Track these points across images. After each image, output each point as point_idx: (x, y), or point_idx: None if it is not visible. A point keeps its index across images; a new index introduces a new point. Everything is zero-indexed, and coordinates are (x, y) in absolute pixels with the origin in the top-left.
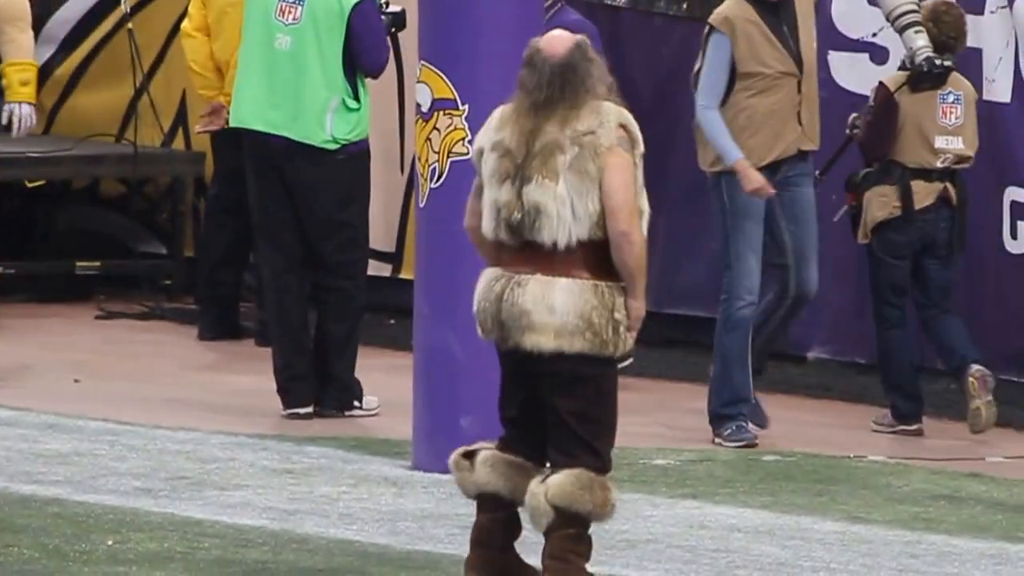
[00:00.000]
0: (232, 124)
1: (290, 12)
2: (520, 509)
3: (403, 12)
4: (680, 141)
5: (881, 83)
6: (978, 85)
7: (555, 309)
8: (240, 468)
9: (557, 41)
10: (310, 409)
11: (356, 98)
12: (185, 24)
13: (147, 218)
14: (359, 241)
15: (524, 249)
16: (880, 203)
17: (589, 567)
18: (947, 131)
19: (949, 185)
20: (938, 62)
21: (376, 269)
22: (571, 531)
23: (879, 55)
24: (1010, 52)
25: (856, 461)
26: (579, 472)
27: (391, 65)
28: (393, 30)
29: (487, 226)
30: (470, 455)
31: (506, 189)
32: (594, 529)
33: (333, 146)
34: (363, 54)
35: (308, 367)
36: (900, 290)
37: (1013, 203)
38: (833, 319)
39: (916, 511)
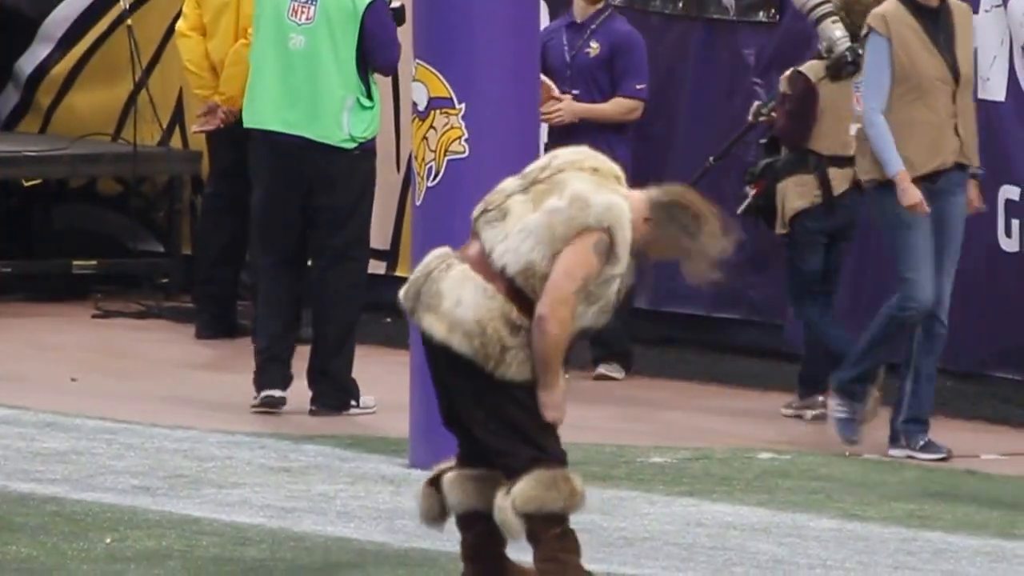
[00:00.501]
0: (246, 125)
1: (303, 12)
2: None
3: (402, 8)
4: (677, 140)
5: (800, 72)
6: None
7: (463, 302)
8: (238, 466)
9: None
10: (284, 393)
11: (370, 96)
12: (180, 24)
13: (144, 217)
14: (364, 237)
15: (475, 238)
16: (799, 192)
17: (587, 564)
18: (859, 120)
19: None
20: (860, 51)
21: (372, 267)
22: (554, 531)
23: None
24: (1004, 51)
25: (852, 459)
26: (538, 473)
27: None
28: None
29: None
30: (434, 481)
31: (510, 184)
32: (591, 526)
33: (351, 144)
34: (376, 52)
35: (288, 353)
36: (821, 276)
37: (1008, 201)
38: None
39: (911, 508)
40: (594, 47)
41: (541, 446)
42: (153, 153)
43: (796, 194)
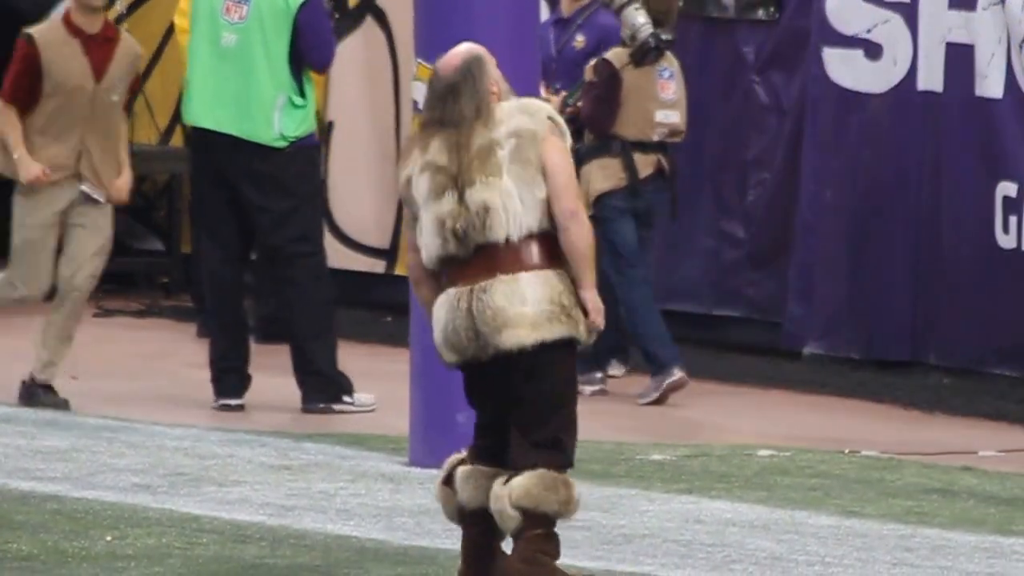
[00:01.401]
0: (185, 121)
1: (236, 11)
2: None
3: None
4: None
5: (604, 59)
6: (970, 81)
7: (527, 300)
8: (238, 464)
9: (452, 58)
10: (241, 401)
11: (302, 95)
12: (179, 20)
13: (144, 216)
14: (309, 235)
15: (476, 256)
16: (604, 175)
17: (587, 563)
18: (666, 105)
19: (662, 157)
20: (664, 37)
21: (370, 266)
22: (539, 531)
23: (873, 51)
24: (1002, 48)
25: (850, 456)
26: (542, 472)
27: (387, 62)
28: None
29: (431, 246)
30: (448, 480)
31: (447, 200)
32: (591, 524)
33: (282, 143)
34: (311, 51)
35: (243, 360)
36: (636, 248)
37: (1005, 198)
38: (827, 315)
39: (910, 505)
40: (580, 40)
41: (567, 444)
42: (153, 152)
43: (601, 176)
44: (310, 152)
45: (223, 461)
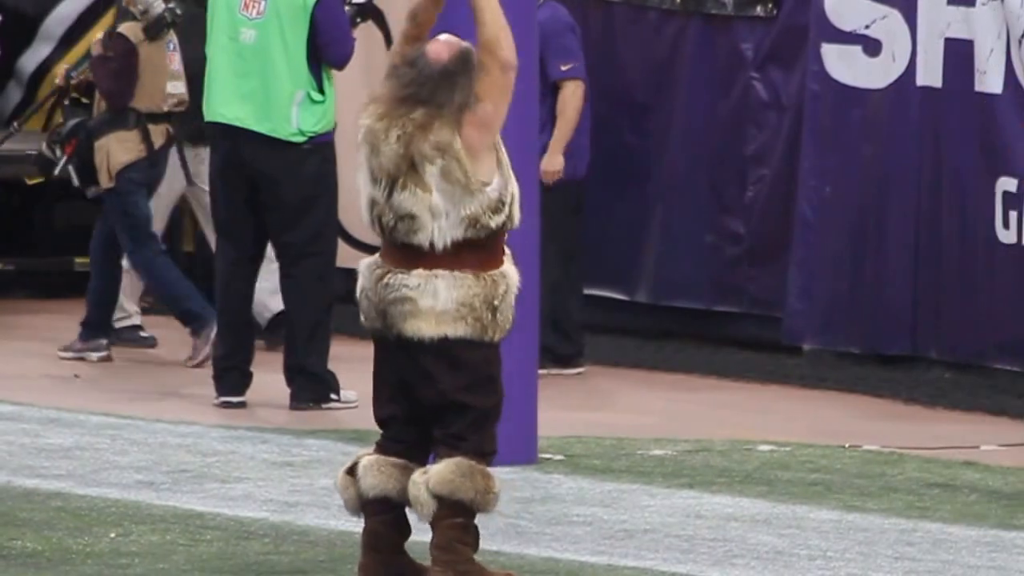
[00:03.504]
0: (206, 118)
1: (254, 6)
2: (408, 510)
3: (369, 2)
4: (673, 134)
5: (119, 34)
6: (970, 76)
7: (439, 297)
8: (241, 461)
9: (442, 49)
10: (243, 398)
11: (321, 91)
12: None
13: None
14: (323, 233)
15: (402, 248)
16: (124, 148)
17: (587, 557)
18: (174, 77)
19: (170, 127)
20: (179, 12)
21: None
22: (457, 520)
23: (871, 47)
24: (1001, 44)
25: (851, 451)
26: (459, 460)
27: (384, 61)
28: (358, 21)
29: (364, 214)
30: (352, 470)
31: (377, 190)
32: (592, 519)
33: (300, 139)
34: (328, 47)
35: (245, 360)
36: (150, 219)
37: (1005, 193)
38: (827, 311)
39: (911, 499)
40: None
41: (487, 434)
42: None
43: (121, 149)
44: (328, 149)
45: (226, 458)
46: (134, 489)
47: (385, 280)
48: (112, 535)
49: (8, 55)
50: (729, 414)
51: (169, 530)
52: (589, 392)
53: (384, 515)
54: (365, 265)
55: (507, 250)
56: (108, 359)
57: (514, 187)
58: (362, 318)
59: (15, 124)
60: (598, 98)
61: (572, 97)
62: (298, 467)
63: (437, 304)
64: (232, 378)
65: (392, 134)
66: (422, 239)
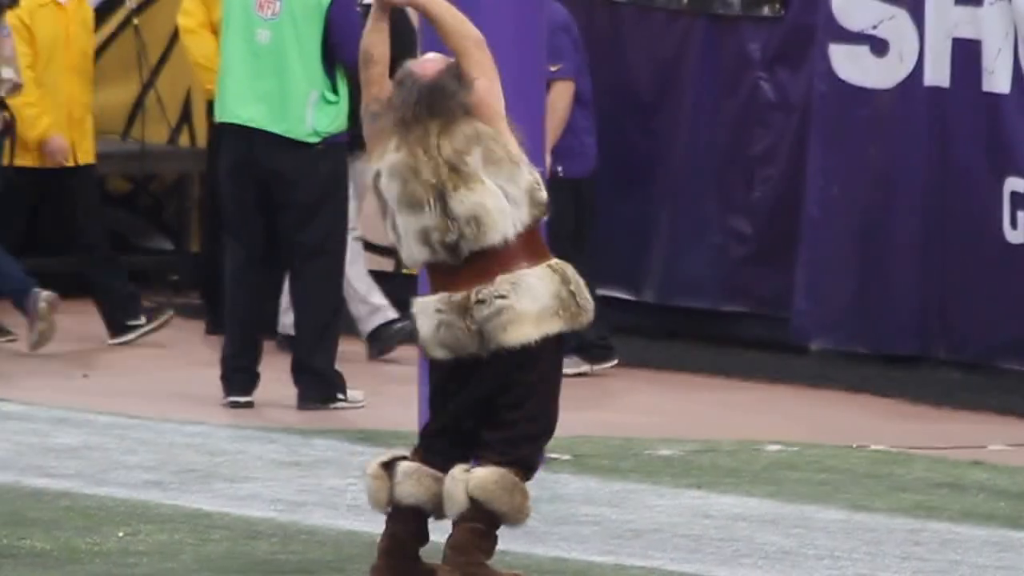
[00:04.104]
0: (217, 118)
1: (269, 7)
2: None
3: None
4: (681, 134)
5: None
6: (977, 76)
7: (535, 296)
8: (248, 461)
9: (428, 64)
10: (250, 398)
11: (335, 91)
12: (185, 21)
13: (154, 214)
14: (333, 233)
15: (470, 262)
16: None
17: (596, 557)
18: (8, 62)
19: (6, 113)
20: None
21: (378, 264)
22: (480, 526)
23: (879, 47)
24: (1009, 43)
25: (859, 450)
26: (505, 472)
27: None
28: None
29: (416, 254)
30: (388, 465)
31: (429, 213)
32: (600, 519)
33: (315, 139)
34: (342, 47)
35: (253, 361)
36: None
37: (1013, 193)
38: (835, 310)
39: (919, 499)
40: None
41: (539, 446)
42: (162, 151)
43: None
44: (340, 149)
45: (233, 458)
46: (142, 488)
47: (473, 299)
48: (120, 534)
49: None
50: (736, 414)
51: (177, 529)
52: (596, 392)
53: (409, 524)
54: (429, 304)
55: None
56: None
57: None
58: (441, 353)
59: None
60: (605, 98)
61: (559, 98)
62: (306, 467)
63: (536, 304)
64: (240, 378)
65: (418, 152)
66: (494, 237)
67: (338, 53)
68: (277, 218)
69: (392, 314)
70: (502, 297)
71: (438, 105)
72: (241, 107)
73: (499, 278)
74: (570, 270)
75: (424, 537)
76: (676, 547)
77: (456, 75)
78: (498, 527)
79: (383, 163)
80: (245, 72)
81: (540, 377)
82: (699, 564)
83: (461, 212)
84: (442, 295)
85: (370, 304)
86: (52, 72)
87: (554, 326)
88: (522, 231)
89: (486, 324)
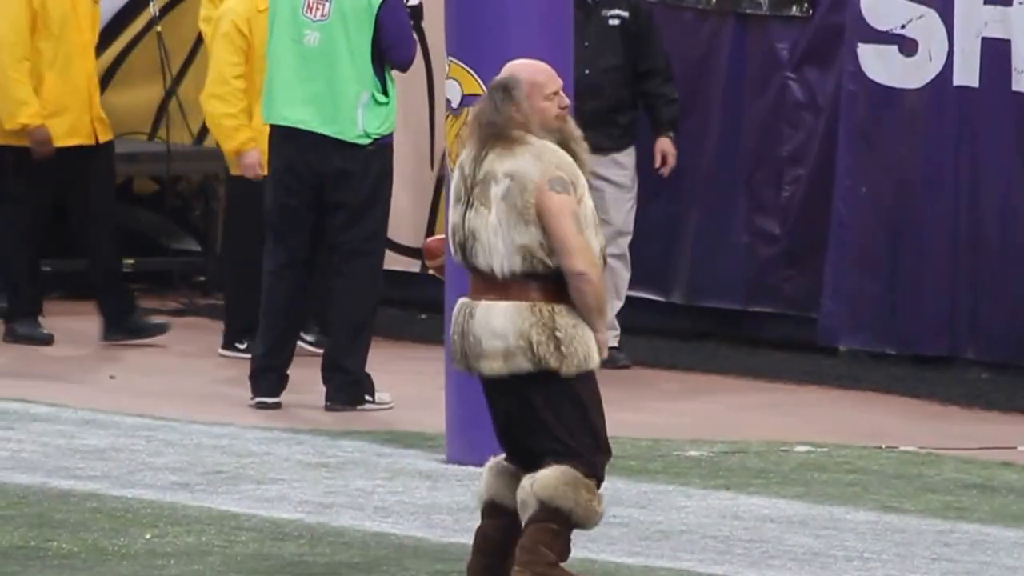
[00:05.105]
0: (264, 120)
1: (318, 8)
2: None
3: (420, 5)
4: (710, 134)
5: None
6: (1007, 76)
7: (497, 333)
8: (276, 462)
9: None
10: (278, 399)
11: (385, 92)
12: (207, 28)
13: (180, 215)
14: (378, 234)
15: (474, 274)
16: None
17: (627, 558)
18: None
19: None
20: None
21: (405, 265)
22: (551, 526)
23: (908, 47)
24: None
25: (888, 451)
26: (565, 468)
27: (419, 61)
28: (412, 23)
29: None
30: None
31: (457, 212)
32: (629, 520)
33: (365, 140)
34: (392, 48)
35: (284, 362)
36: None
37: None
38: (864, 310)
39: (948, 500)
40: None
41: (583, 453)
42: (188, 152)
43: None
44: (388, 151)
45: (260, 459)
46: (169, 490)
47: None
48: (147, 536)
49: None
50: (765, 415)
51: (204, 531)
52: (624, 393)
53: (495, 519)
54: (455, 309)
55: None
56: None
57: (597, 243)
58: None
59: None
60: None
61: None
62: (333, 468)
63: (497, 342)
64: (269, 379)
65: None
66: (481, 262)
67: (389, 54)
68: (325, 219)
69: None
70: (475, 328)
71: (499, 110)
72: (289, 109)
73: (482, 303)
74: (563, 319)
75: (517, 535)
76: (705, 548)
77: (515, 84)
78: (570, 527)
79: (455, 161)
80: (294, 74)
81: (544, 404)
82: (728, 565)
83: (468, 225)
84: (462, 299)
85: None
86: (64, 51)
87: (520, 366)
88: (511, 274)
89: (467, 349)
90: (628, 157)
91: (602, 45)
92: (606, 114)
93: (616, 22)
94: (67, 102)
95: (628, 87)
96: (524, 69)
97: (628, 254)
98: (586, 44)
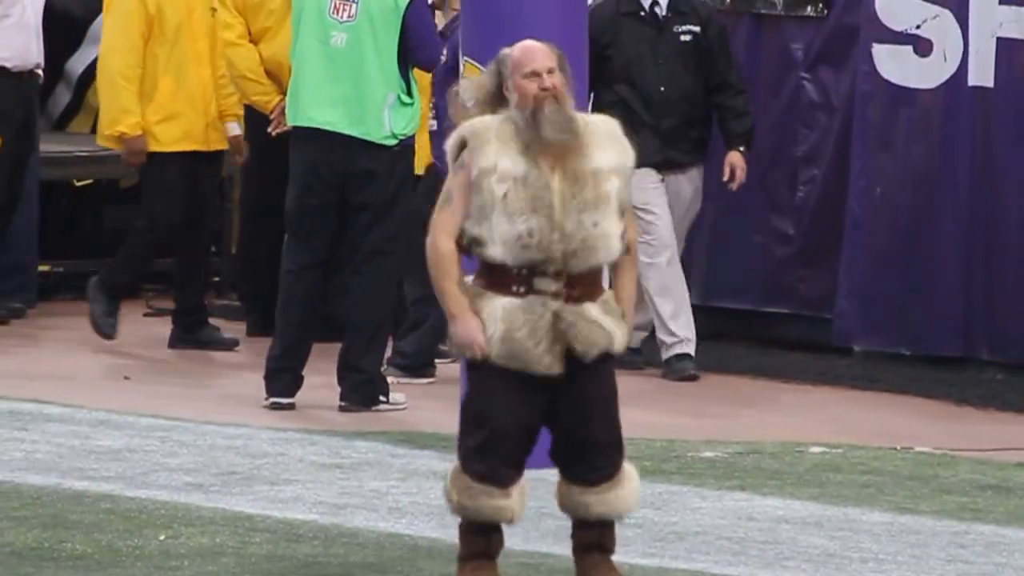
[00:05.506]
0: (290, 122)
1: (345, 10)
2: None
3: (433, 5)
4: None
5: None
6: (1022, 76)
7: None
8: (290, 463)
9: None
10: (292, 400)
11: (409, 93)
12: (226, 34)
13: None
14: (399, 235)
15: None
16: None
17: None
18: None
19: None
20: None
21: None
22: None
23: (923, 47)
24: None
25: (903, 452)
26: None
27: None
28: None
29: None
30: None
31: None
32: (643, 521)
33: (392, 141)
34: (419, 48)
35: (299, 363)
36: None
37: None
38: (878, 311)
39: (964, 501)
40: (444, 57)
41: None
42: None
43: None
44: (411, 152)
45: (275, 460)
46: (183, 491)
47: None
48: (162, 537)
49: (57, 57)
50: (780, 416)
51: (218, 532)
52: (639, 393)
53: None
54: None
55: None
56: None
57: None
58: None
59: None
60: None
61: None
62: (347, 469)
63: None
64: (283, 379)
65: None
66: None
67: (415, 55)
68: (349, 220)
69: None
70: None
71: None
72: (315, 110)
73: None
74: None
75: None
76: (719, 550)
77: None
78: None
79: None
80: (321, 75)
81: (611, 387)
82: (742, 567)
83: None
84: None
85: None
86: (178, 57)
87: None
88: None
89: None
90: (698, 172)
91: (675, 62)
92: (681, 129)
93: (688, 38)
94: (180, 108)
95: (701, 102)
96: (515, 47)
97: (679, 262)
98: (660, 63)
